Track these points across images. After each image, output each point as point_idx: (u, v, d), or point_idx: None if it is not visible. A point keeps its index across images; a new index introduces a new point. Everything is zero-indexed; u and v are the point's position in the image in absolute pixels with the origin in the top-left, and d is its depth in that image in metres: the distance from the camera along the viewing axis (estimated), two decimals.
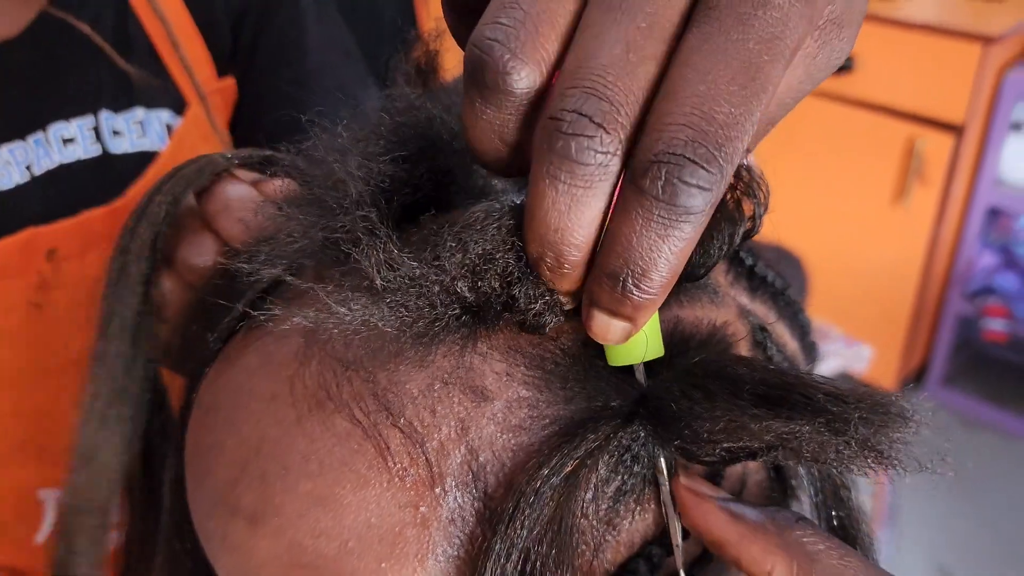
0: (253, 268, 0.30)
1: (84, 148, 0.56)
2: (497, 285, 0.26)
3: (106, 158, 0.57)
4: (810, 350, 0.39)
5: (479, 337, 0.27)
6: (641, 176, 0.21)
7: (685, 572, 0.27)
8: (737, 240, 0.29)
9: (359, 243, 0.26)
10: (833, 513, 0.30)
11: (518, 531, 0.25)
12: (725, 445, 0.25)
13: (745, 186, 0.29)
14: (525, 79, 0.23)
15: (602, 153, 0.22)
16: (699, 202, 0.21)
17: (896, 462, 0.24)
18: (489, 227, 0.26)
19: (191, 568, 0.32)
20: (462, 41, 0.26)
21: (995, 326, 2.16)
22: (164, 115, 0.59)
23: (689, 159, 0.21)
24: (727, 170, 0.21)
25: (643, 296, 0.23)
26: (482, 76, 0.23)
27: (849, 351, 1.90)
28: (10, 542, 0.59)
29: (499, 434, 0.26)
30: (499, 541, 0.25)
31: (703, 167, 0.21)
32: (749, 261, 0.36)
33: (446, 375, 0.27)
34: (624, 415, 0.27)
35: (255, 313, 0.29)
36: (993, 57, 1.87)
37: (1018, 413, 2.15)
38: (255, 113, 0.64)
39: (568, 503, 0.25)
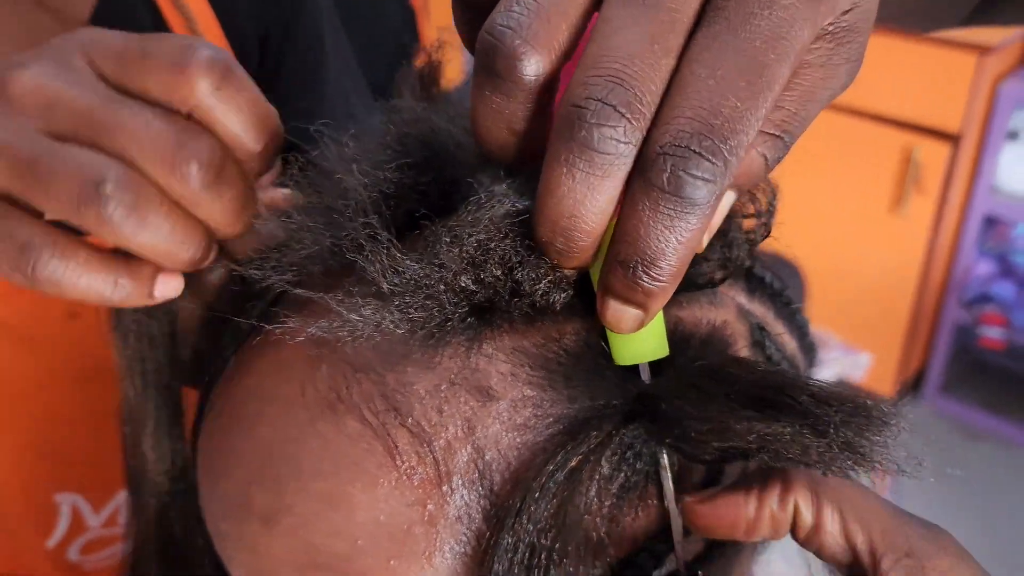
0: (264, 275, 0.30)
1: None
2: (499, 272, 0.26)
3: None
4: (809, 350, 0.39)
5: (484, 339, 0.28)
6: (649, 168, 0.22)
7: (687, 568, 0.28)
8: (749, 248, 0.29)
9: (363, 249, 0.27)
10: None
11: (524, 525, 0.25)
12: (715, 444, 0.25)
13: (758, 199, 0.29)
14: (535, 66, 0.23)
15: (624, 143, 0.22)
16: (703, 193, 0.22)
17: (876, 464, 0.25)
18: (481, 217, 0.26)
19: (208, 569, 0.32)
20: (470, 39, 0.26)
21: (992, 334, 2.16)
22: None
23: (694, 151, 0.21)
24: (732, 163, 0.22)
25: (654, 283, 0.23)
26: (493, 62, 0.23)
27: (847, 359, 1.90)
28: (17, 546, 0.59)
29: (504, 433, 0.27)
30: (507, 535, 0.25)
31: (708, 159, 0.21)
32: (747, 262, 0.36)
33: (453, 376, 0.27)
34: (625, 413, 0.27)
35: (270, 327, 0.29)
36: (989, 66, 1.88)
37: (1015, 420, 2.15)
38: None
39: (572, 498, 0.26)
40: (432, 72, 0.37)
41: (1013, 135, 2.00)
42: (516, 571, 0.25)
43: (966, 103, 1.89)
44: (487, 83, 0.24)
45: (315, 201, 0.30)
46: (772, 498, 0.26)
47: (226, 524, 0.29)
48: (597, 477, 0.27)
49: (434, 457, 0.27)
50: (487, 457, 0.27)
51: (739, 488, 0.27)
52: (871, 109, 2.02)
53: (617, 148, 0.22)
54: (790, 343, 0.37)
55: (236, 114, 0.31)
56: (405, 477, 0.27)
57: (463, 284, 0.26)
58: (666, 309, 0.30)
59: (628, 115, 0.22)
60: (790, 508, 0.26)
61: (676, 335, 0.30)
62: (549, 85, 0.24)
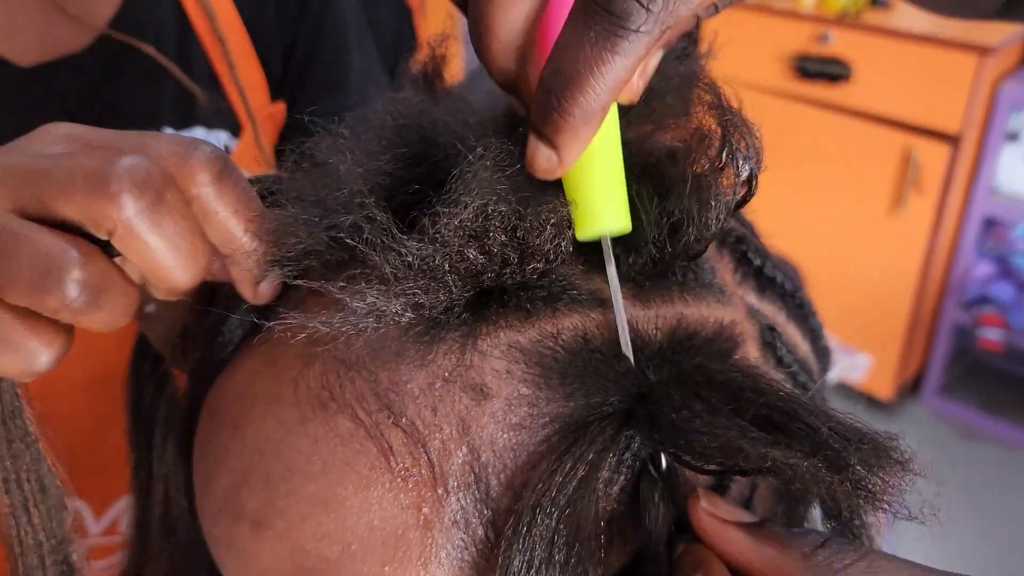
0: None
1: None
2: (504, 237, 0.26)
3: None
4: (823, 354, 0.38)
5: (479, 335, 0.27)
6: None
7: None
8: (732, 208, 0.28)
9: (362, 231, 0.26)
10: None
11: (537, 542, 0.24)
12: (720, 460, 0.25)
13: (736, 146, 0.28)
14: None
15: None
16: (638, 21, 0.22)
17: (887, 507, 0.24)
18: (471, 181, 0.26)
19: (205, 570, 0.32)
20: None
21: (991, 335, 2.16)
22: (222, 136, 0.59)
23: None
24: (676, 9, 0.22)
25: (564, 114, 0.23)
26: None
27: (846, 360, 1.90)
28: None
29: (500, 432, 0.26)
30: (518, 556, 0.24)
31: None
32: (757, 261, 0.35)
33: (447, 373, 0.27)
34: (624, 413, 0.26)
35: (270, 324, 0.29)
36: (989, 67, 1.88)
37: (1014, 422, 2.15)
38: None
39: (582, 508, 0.25)
40: (434, 66, 0.36)
41: (1013, 136, 2.00)
42: None
43: (966, 104, 1.89)
44: None
45: (310, 193, 0.29)
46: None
47: (217, 528, 0.29)
48: (602, 483, 0.26)
49: (428, 458, 0.26)
50: (483, 459, 0.26)
51: (760, 532, 0.25)
52: (871, 110, 2.02)
53: None
54: (802, 345, 0.36)
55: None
56: (399, 479, 0.26)
57: (470, 256, 0.25)
58: (669, 304, 0.29)
59: None
60: None
61: (679, 332, 0.29)
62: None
